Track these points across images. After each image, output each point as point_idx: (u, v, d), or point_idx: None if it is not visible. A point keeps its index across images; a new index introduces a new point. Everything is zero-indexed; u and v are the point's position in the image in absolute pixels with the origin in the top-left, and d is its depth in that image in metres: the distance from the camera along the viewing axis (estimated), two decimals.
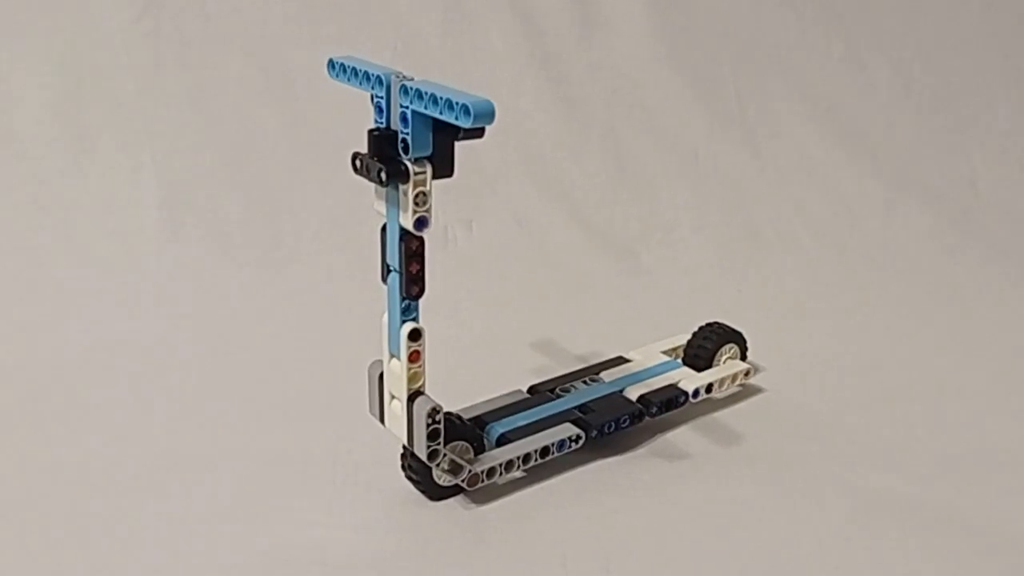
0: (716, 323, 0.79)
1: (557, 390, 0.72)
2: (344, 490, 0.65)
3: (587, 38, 1.12)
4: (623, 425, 0.69)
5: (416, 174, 0.53)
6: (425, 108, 0.51)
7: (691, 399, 0.73)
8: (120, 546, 0.60)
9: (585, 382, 0.74)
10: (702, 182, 1.09)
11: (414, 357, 0.59)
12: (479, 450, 0.64)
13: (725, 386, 0.76)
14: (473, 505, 0.64)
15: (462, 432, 0.63)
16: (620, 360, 0.77)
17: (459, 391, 0.69)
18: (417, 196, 0.54)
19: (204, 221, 1.01)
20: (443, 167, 0.54)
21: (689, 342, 0.78)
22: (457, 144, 0.54)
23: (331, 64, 0.58)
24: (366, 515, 0.63)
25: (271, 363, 0.82)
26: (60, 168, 1.02)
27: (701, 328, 0.79)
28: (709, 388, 0.74)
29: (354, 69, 0.56)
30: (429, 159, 0.54)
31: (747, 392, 0.78)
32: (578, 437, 0.67)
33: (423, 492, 0.64)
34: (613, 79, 1.12)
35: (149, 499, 0.64)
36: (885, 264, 1.02)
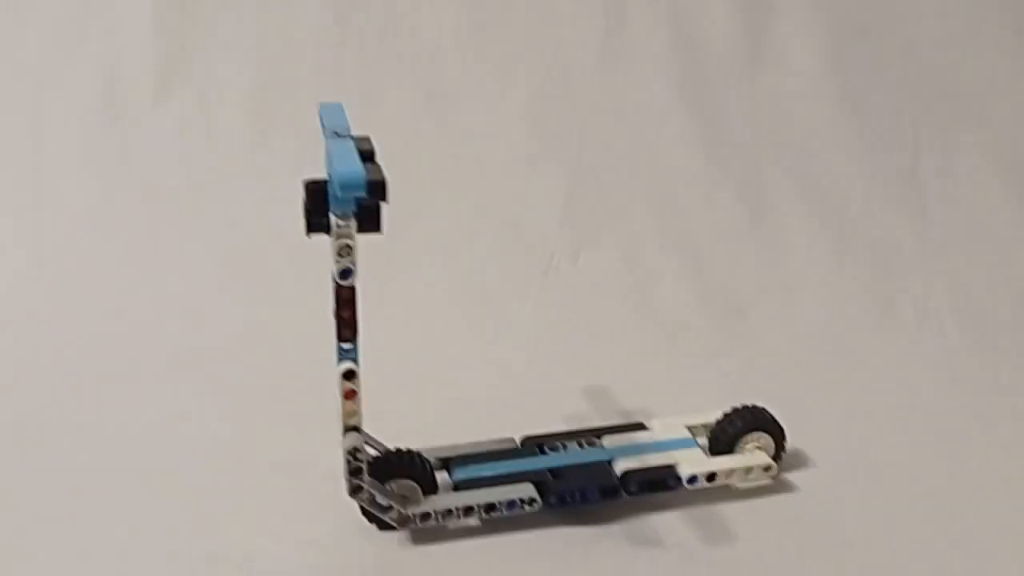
0: (755, 406, 0.73)
1: (546, 446, 0.71)
2: (304, 502, 0.68)
3: (752, 71, 1.04)
4: (590, 498, 0.67)
5: (339, 227, 0.56)
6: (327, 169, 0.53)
7: (685, 485, 0.68)
8: (67, 538, 0.65)
9: (580, 444, 0.71)
10: (846, 241, 0.97)
11: (349, 395, 0.61)
12: (429, 491, 0.66)
13: (735, 478, 0.69)
14: (412, 544, 0.65)
15: (411, 471, 0.65)
16: (636, 426, 0.74)
17: (478, 422, 0.72)
18: (341, 249, 0.56)
19: None
20: (368, 223, 0.56)
21: (718, 421, 0.73)
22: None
23: (320, 108, 0.61)
24: (315, 532, 0.66)
25: (281, 361, 0.83)
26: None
27: (735, 409, 0.73)
28: (712, 477, 0.69)
29: (321, 119, 0.59)
30: (355, 214, 0.56)
31: (775, 488, 0.71)
32: (532, 500, 0.65)
33: (367, 519, 0.66)
34: (772, 118, 1.03)
35: (117, 487, 0.70)
36: None
